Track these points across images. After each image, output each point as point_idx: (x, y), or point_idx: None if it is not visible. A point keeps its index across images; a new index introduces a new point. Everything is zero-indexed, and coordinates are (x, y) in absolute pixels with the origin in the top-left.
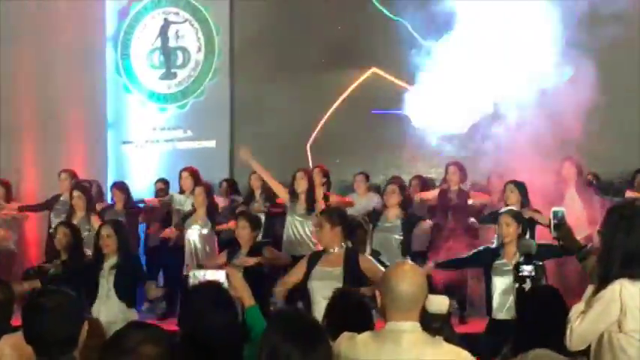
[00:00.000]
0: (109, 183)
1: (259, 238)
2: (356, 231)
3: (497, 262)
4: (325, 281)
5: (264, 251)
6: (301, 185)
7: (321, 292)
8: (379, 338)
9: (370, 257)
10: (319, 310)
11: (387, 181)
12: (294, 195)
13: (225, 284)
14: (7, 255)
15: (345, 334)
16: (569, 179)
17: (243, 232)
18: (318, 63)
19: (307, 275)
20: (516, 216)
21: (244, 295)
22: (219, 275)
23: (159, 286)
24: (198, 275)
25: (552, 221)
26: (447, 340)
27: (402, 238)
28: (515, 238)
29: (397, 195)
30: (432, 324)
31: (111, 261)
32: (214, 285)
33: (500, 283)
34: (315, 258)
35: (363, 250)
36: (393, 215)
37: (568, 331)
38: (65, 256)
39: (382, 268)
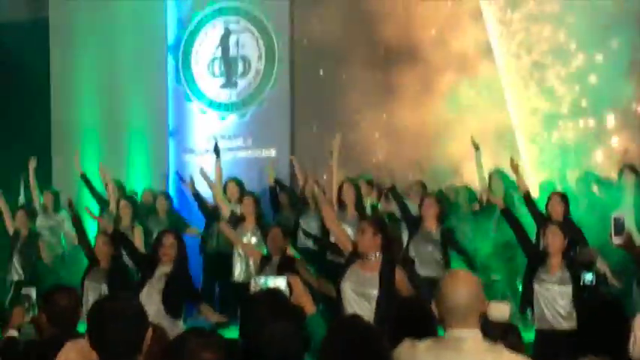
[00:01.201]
0: (170, 191)
1: None
2: (393, 242)
3: (542, 270)
4: (359, 284)
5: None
6: (349, 195)
7: (353, 294)
8: (440, 345)
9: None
10: (349, 309)
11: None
12: (341, 205)
13: (287, 292)
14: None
15: (407, 342)
16: None
17: (274, 241)
18: (380, 64)
19: (342, 275)
20: (562, 227)
21: (306, 302)
22: (280, 282)
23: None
24: (259, 282)
25: (613, 228)
26: (512, 347)
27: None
28: (560, 251)
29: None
30: (494, 331)
31: (164, 269)
32: (275, 292)
33: (543, 294)
34: (352, 258)
35: (397, 261)
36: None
37: (632, 339)
38: (104, 264)
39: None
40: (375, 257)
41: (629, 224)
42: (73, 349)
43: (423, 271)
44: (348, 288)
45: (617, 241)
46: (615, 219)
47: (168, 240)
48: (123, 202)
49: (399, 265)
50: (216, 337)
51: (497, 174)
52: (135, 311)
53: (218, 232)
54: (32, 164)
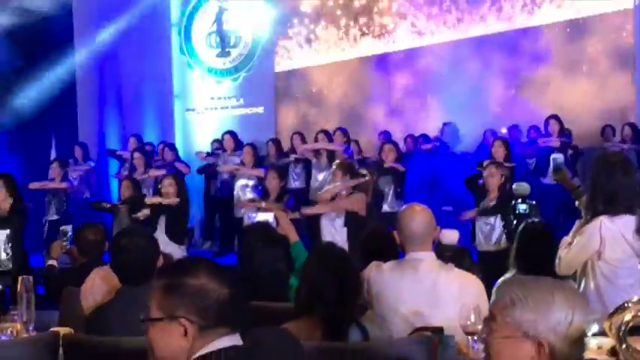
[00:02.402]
0: (178, 143)
1: None
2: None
3: (481, 205)
4: (332, 216)
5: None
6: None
7: (329, 226)
8: (401, 266)
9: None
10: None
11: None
12: (317, 152)
13: (274, 224)
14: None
15: (374, 263)
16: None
17: (272, 182)
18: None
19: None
20: (499, 166)
21: (290, 232)
22: (267, 216)
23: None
24: (251, 217)
25: (551, 166)
26: (464, 266)
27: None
28: (497, 186)
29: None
30: (445, 253)
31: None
32: (265, 224)
33: (480, 225)
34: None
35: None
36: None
37: (557, 260)
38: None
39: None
40: (345, 193)
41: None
42: (98, 275)
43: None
44: (325, 221)
45: (554, 177)
46: (553, 159)
47: (167, 181)
48: (137, 154)
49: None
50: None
51: None
52: (146, 243)
53: (221, 179)
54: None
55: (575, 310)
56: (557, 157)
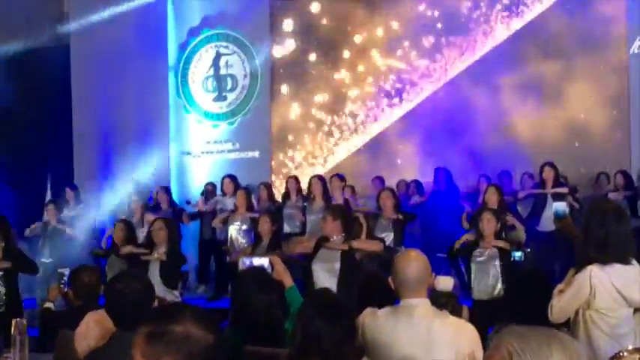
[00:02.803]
0: (173, 186)
1: None
2: (353, 224)
3: (476, 251)
4: (325, 262)
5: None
6: (316, 189)
7: (321, 271)
8: (396, 312)
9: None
10: (320, 284)
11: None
12: (310, 196)
13: (269, 269)
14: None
15: (368, 310)
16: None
17: (264, 226)
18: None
19: (312, 256)
20: (495, 213)
21: (285, 278)
22: (263, 261)
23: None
24: (246, 261)
25: (554, 215)
26: (453, 311)
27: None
28: (492, 232)
29: (390, 199)
30: (440, 300)
31: (160, 250)
32: (259, 269)
33: (479, 270)
34: (321, 242)
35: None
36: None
37: (550, 308)
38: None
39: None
40: (337, 239)
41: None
42: (92, 319)
43: None
44: (317, 267)
45: (557, 224)
46: (556, 206)
47: (157, 225)
48: (134, 199)
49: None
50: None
51: None
52: (140, 287)
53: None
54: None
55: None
56: (560, 205)
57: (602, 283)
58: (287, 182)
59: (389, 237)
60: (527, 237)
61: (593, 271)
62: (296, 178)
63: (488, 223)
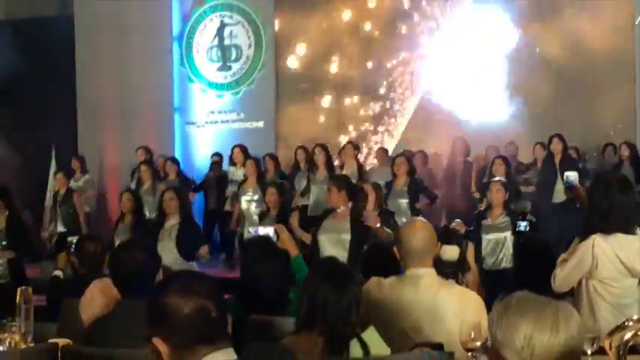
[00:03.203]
0: (177, 156)
1: None
2: (358, 194)
3: (485, 222)
4: (333, 233)
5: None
6: (320, 158)
7: (329, 242)
8: (401, 282)
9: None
10: (326, 254)
11: (397, 154)
12: (313, 166)
13: (274, 238)
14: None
15: (374, 279)
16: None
17: (271, 197)
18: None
19: (318, 228)
20: (504, 184)
21: (290, 247)
22: (268, 230)
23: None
24: (252, 231)
25: (565, 185)
26: (458, 282)
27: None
28: (501, 202)
29: (405, 165)
30: (445, 269)
31: (172, 221)
32: (264, 238)
33: (488, 241)
34: (326, 213)
35: (363, 208)
36: (401, 182)
37: (552, 277)
38: (130, 217)
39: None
40: (343, 209)
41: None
42: (97, 287)
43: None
44: (324, 238)
45: (569, 194)
46: (567, 176)
47: (168, 195)
48: (143, 167)
49: (380, 215)
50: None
51: None
52: (145, 256)
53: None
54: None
55: (541, 329)
56: (571, 174)
57: (605, 253)
58: (296, 153)
59: (403, 203)
60: (540, 208)
61: (596, 240)
62: (304, 148)
63: (497, 194)
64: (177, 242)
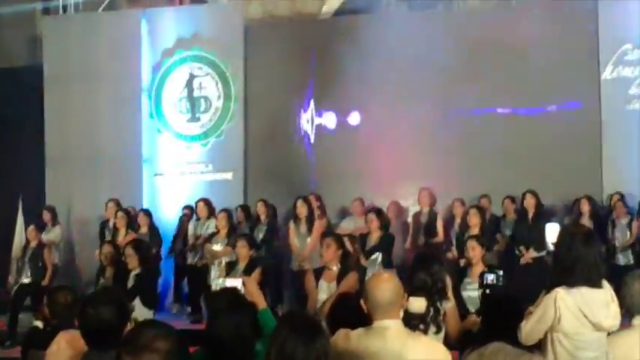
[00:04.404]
0: (144, 207)
1: None
2: (349, 255)
3: (466, 279)
4: (327, 294)
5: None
6: (302, 211)
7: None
8: (368, 333)
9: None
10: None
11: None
12: (296, 218)
13: (242, 290)
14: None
15: (342, 330)
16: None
17: (241, 250)
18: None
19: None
20: (479, 240)
21: (258, 299)
22: (236, 282)
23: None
24: (219, 283)
25: (547, 235)
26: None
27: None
28: (480, 259)
29: (375, 220)
30: (412, 321)
31: (134, 272)
32: (232, 290)
33: (468, 297)
34: (317, 273)
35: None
36: (375, 236)
37: (519, 330)
38: (111, 269)
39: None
40: (336, 268)
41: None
42: (63, 338)
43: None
44: (320, 299)
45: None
46: (548, 227)
47: (128, 251)
48: (120, 214)
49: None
50: (167, 326)
51: None
52: (113, 310)
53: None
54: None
55: None
56: (553, 225)
57: (568, 307)
58: (257, 206)
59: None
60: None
61: (559, 294)
62: (265, 202)
63: (474, 251)
64: (132, 292)
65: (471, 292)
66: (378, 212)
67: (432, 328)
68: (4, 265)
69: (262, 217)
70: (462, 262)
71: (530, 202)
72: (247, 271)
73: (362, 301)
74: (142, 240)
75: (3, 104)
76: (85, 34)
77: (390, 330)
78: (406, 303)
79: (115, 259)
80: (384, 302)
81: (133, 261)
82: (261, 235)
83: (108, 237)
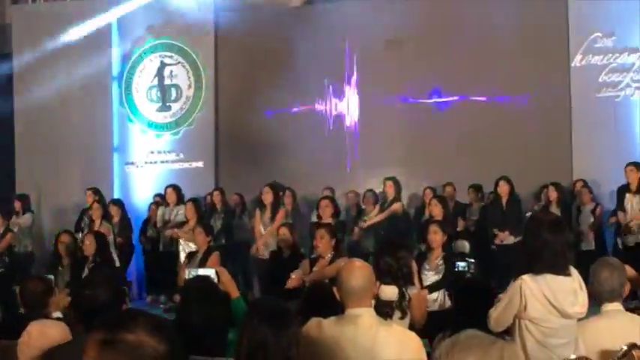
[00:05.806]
0: (116, 196)
1: None
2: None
3: (425, 263)
4: None
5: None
6: (267, 198)
7: None
8: (340, 322)
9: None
10: None
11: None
12: (262, 205)
13: (215, 279)
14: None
15: (314, 319)
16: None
17: (198, 237)
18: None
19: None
20: (441, 225)
21: (230, 288)
22: (209, 272)
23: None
24: (193, 272)
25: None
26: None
27: None
28: (440, 245)
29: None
30: (384, 309)
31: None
32: (204, 278)
33: (429, 282)
34: (313, 262)
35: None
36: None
37: (488, 317)
38: (67, 259)
39: None
40: (327, 257)
41: None
42: (34, 329)
43: None
44: None
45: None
46: (457, 265)
47: (87, 240)
48: (96, 205)
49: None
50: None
51: None
52: (108, 294)
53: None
54: None
55: None
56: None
57: (533, 293)
58: (212, 194)
59: None
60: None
61: (525, 281)
62: (220, 190)
63: (435, 235)
64: None
65: (429, 280)
66: (331, 199)
67: (397, 314)
68: None
69: (218, 206)
70: (423, 247)
71: (503, 189)
72: (205, 259)
73: (335, 289)
74: (103, 234)
75: None
76: (54, 23)
77: (363, 318)
78: (378, 290)
79: (72, 250)
80: (356, 290)
81: (89, 249)
82: (219, 224)
83: (84, 227)
